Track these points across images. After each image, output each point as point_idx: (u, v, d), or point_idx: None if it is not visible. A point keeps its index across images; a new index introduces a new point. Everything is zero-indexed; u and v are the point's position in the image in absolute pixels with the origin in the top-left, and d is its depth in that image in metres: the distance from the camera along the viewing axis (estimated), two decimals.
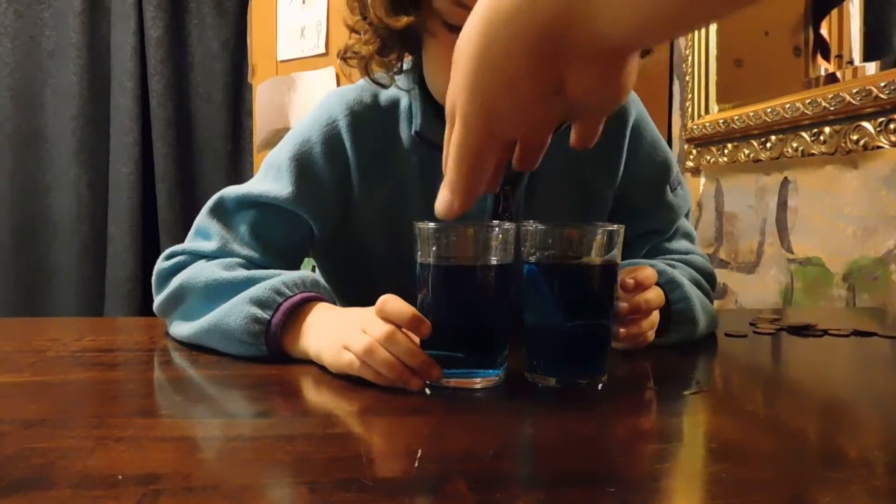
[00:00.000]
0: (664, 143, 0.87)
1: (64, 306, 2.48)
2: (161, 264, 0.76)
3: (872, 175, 1.17)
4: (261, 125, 2.13)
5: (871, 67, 1.19)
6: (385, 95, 0.80)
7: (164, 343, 0.75)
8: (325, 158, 0.77)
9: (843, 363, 0.75)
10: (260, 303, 0.65)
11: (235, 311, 0.65)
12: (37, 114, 2.49)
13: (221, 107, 2.60)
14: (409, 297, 0.56)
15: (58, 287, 2.51)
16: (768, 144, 1.41)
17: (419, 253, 0.57)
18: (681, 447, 0.47)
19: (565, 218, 0.80)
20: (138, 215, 2.49)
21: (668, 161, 0.86)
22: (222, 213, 0.77)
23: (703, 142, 1.64)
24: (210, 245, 0.75)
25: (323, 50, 1.96)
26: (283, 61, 2.06)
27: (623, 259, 0.60)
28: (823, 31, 1.34)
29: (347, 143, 0.78)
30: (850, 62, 1.26)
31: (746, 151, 1.48)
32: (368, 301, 0.58)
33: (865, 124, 1.15)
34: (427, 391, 0.55)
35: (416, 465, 0.40)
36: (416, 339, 0.55)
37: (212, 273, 0.70)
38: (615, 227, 0.57)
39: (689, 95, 1.69)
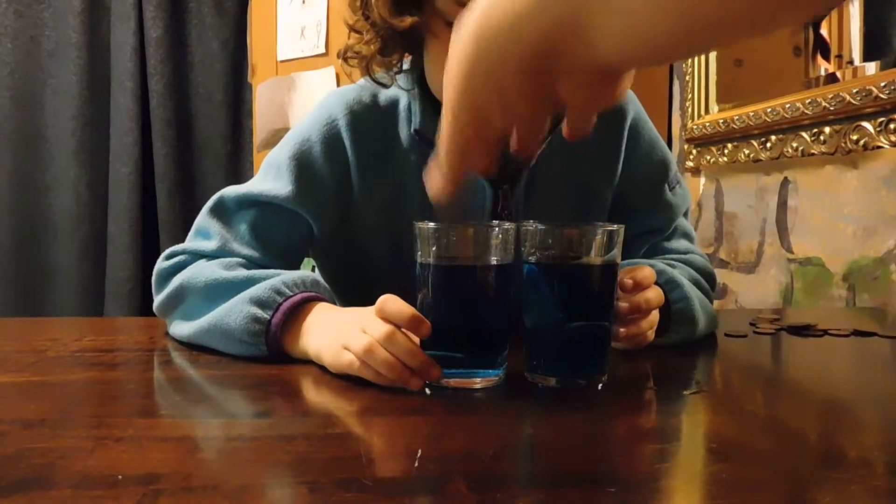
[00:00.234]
0: (662, 141, 0.87)
1: (64, 306, 2.48)
2: (161, 264, 0.76)
3: (872, 175, 1.17)
4: (261, 125, 2.13)
5: (871, 67, 1.19)
6: (384, 95, 0.80)
7: (164, 343, 0.75)
8: (325, 157, 0.77)
9: (843, 363, 0.75)
10: (260, 302, 0.65)
11: (235, 310, 0.65)
12: (37, 114, 2.49)
13: (221, 107, 2.60)
14: (409, 297, 0.56)
15: (58, 287, 2.51)
16: (768, 144, 1.41)
17: (419, 253, 0.57)
18: (681, 447, 0.47)
19: (564, 217, 0.81)
20: (138, 215, 2.49)
21: (667, 160, 0.86)
22: (222, 212, 0.77)
23: (703, 142, 1.64)
24: (210, 245, 0.75)
25: (323, 50, 1.96)
26: (283, 61, 2.06)
27: (622, 258, 0.60)
28: (823, 31, 1.34)
29: (347, 143, 0.78)
30: (850, 62, 1.26)
31: (746, 151, 1.48)
32: (368, 301, 0.58)
33: (865, 124, 1.15)
34: (427, 391, 0.55)
35: (416, 465, 0.40)
36: (416, 340, 0.55)
37: (212, 273, 0.70)
38: (615, 227, 0.57)
39: (689, 95, 1.69)
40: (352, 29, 0.74)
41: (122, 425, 0.47)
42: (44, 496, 0.35)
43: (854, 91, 1.15)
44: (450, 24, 0.67)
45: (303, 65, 2.00)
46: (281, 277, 0.67)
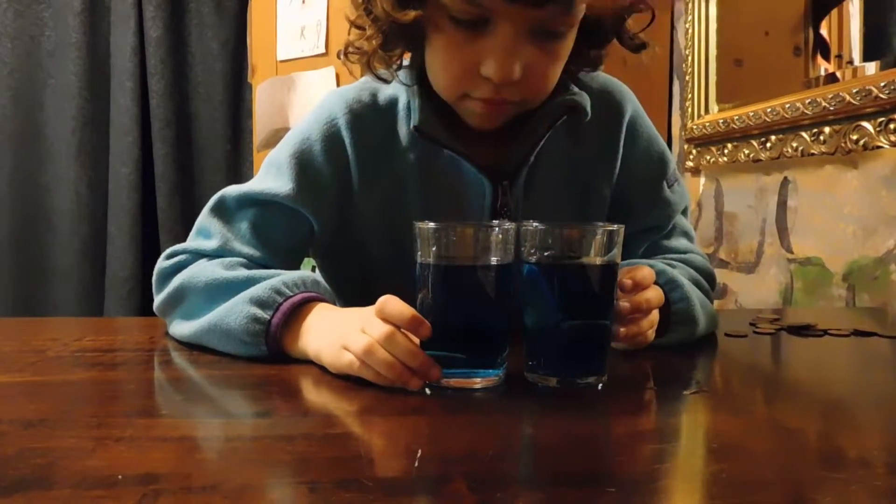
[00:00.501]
0: (660, 139, 0.87)
1: (64, 306, 2.48)
2: (162, 263, 0.76)
3: (872, 175, 1.17)
4: (261, 125, 2.13)
5: (871, 67, 1.19)
6: (384, 94, 0.80)
7: (164, 343, 0.75)
8: (325, 156, 0.78)
9: (843, 363, 0.75)
10: (260, 302, 0.65)
11: (235, 310, 0.65)
12: (37, 114, 2.49)
13: (221, 107, 2.60)
14: (408, 298, 0.56)
15: (57, 287, 2.51)
16: (768, 144, 1.41)
17: (419, 253, 0.56)
18: (680, 447, 0.47)
19: (564, 216, 0.81)
20: (138, 215, 2.49)
21: (665, 157, 0.86)
22: (223, 211, 0.77)
23: (703, 142, 1.64)
24: (211, 244, 0.75)
25: (323, 50, 1.96)
26: (282, 61, 2.06)
27: (622, 257, 0.60)
28: (823, 31, 1.34)
29: (347, 141, 0.78)
30: (850, 62, 1.26)
31: (746, 151, 1.48)
32: (368, 301, 0.58)
33: (865, 124, 1.15)
34: (427, 391, 0.55)
35: (416, 465, 0.40)
36: (416, 340, 0.55)
37: (212, 272, 0.70)
38: (615, 226, 0.57)
39: (689, 95, 1.69)
40: (353, 24, 0.74)
41: (122, 425, 0.47)
42: (44, 496, 0.35)
43: (854, 91, 1.15)
44: (453, 19, 0.67)
45: (303, 65, 2.00)
46: (281, 277, 0.67)
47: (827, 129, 1.24)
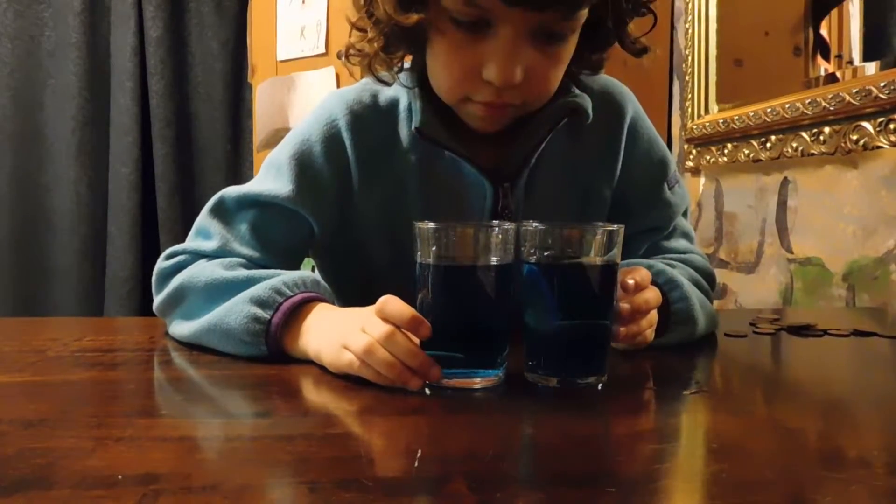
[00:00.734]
0: (661, 140, 0.87)
1: (64, 306, 2.48)
2: (161, 264, 0.76)
3: (872, 175, 1.17)
4: (261, 125, 2.13)
5: (871, 67, 1.19)
6: (384, 95, 0.80)
7: (164, 343, 0.75)
8: (325, 157, 0.77)
9: (843, 363, 0.75)
10: (260, 302, 0.65)
11: (236, 310, 0.65)
12: (37, 114, 2.49)
13: (221, 107, 2.60)
14: (408, 298, 0.56)
15: (57, 287, 2.51)
16: (768, 144, 1.41)
17: (419, 253, 0.56)
18: (680, 447, 0.47)
19: (564, 217, 0.81)
20: (138, 215, 2.49)
21: (666, 159, 0.86)
22: (223, 212, 0.77)
23: (703, 142, 1.64)
24: (210, 244, 0.75)
25: (323, 50, 1.96)
26: (282, 61, 2.06)
27: (622, 258, 0.60)
28: (823, 31, 1.34)
29: (347, 143, 0.78)
30: (850, 62, 1.26)
31: (746, 151, 1.48)
32: (368, 301, 0.58)
33: (865, 124, 1.15)
34: (427, 391, 0.55)
35: (416, 465, 0.40)
36: (416, 340, 0.55)
37: (212, 273, 0.70)
38: (615, 227, 0.57)
39: (689, 95, 1.69)
40: (354, 26, 0.74)
41: (121, 425, 0.47)
42: (44, 496, 0.35)
43: (854, 91, 1.15)
44: (454, 21, 0.67)
45: (303, 65, 2.00)
46: (281, 277, 0.67)
47: (827, 129, 1.24)
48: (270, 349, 0.64)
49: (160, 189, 2.51)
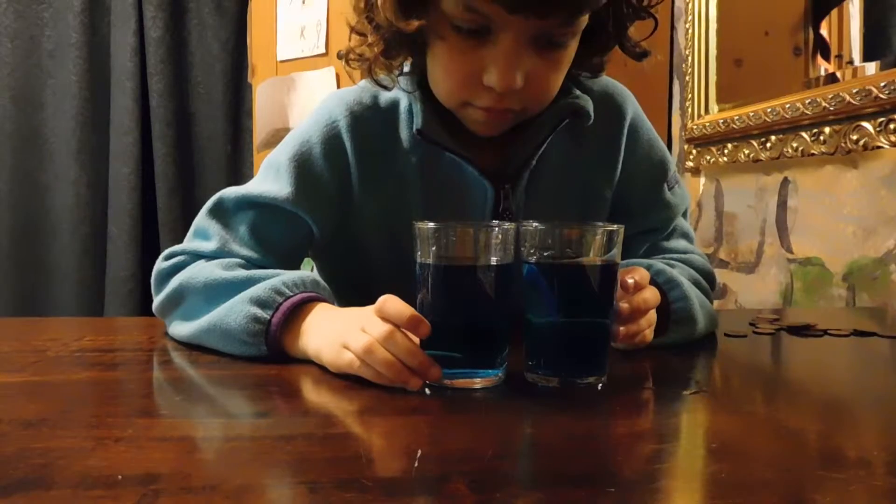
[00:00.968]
0: (661, 141, 0.87)
1: (64, 306, 2.48)
2: (160, 264, 0.76)
3: (872, 175, 1.17)
4: (261, 125, 2.13)
5: (871, 67, 1.19)
6: (385, 96, 0.80)
7: (163, 343, 0.74)
8: (325, 159, 0.77)
9: (843, 363, 0.75)
10: (260, 302, 0.65)
11: (235, 310, 0.65)
12: (37, 114, 2.49)
13: (221, 107, 2.60)
14: (408, 297, 0.56)
15: (57, 287, 2.51)
16: (768, 144, 1.41)
17: (419, 253, 0.56)
18: (680, 447, 0.47)
19: (565, 218, 0.81)
20: (138, 215, 2.49)
21: (665, 159, 0.86)
22: (222, 213, 0.77)
23: (703, 142, 1.64)
24: (209, 245, 0.75)
25: (323, 50, 1.96)
26: (282, 61, 2.06)
27: (622, 258, 0.60)
28: (823, 31, 1.34)
29: (347, 144, 0.78)
30: (850, 62, 1.26)
31: (746, 151, 1.48)
32: (368, 301, 0.58)
33: (865, 124, 1.15)
34: (427, 391, 0.55)
35: (416, 465, 0.40)
36: (416, 340, 0.55)
37: (211, 273, 0.70)
38: (615, 227, 0.57)
39: (689, 95, 1.69)
40: (354, 31, 0.74)
41: (121, 425, 0.47)
42: (44, 496, 0.35)
43: (854, 91, 1.15)
44: (455, 27, 0.67)
45: (303, 65, 2.00)
46: (281, 277, 0.67)
47: (827, 129, 1.24)
48: (270, 349, 0.64)
49: (160, 189, 2.51)
